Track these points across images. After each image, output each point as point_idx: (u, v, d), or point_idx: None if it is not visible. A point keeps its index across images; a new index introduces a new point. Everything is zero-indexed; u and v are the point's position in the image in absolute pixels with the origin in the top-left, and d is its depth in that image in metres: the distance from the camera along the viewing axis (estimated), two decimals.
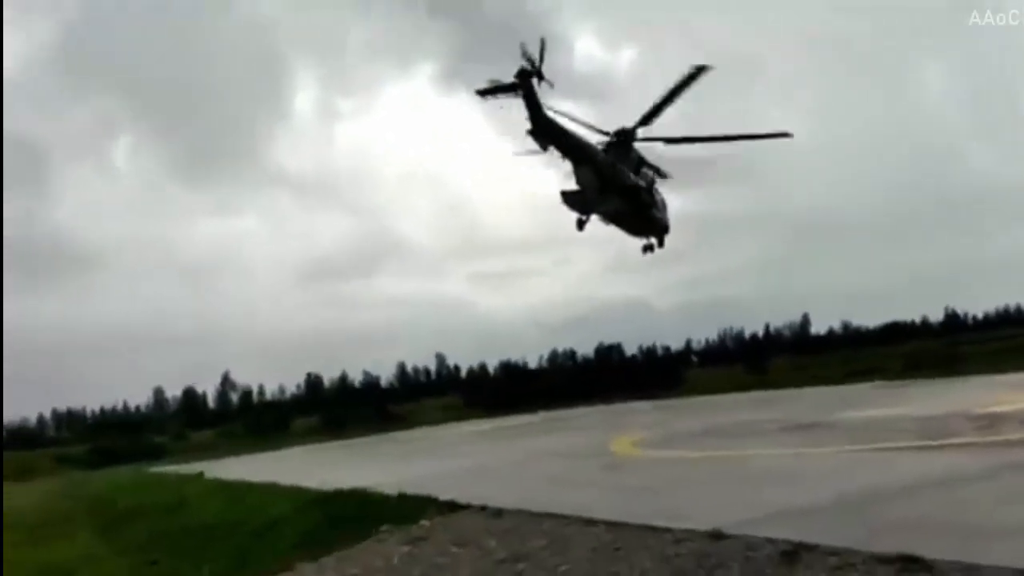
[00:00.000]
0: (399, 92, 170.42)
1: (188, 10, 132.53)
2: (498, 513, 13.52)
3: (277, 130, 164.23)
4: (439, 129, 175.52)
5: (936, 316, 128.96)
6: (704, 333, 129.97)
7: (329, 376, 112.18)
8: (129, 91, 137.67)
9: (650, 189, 17.52)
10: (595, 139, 16.14)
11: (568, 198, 16.61)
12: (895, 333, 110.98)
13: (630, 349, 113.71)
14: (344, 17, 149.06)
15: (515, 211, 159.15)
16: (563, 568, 9.79)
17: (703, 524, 10.37)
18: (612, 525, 11.32)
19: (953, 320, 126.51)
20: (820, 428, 21.50)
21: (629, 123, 16.45)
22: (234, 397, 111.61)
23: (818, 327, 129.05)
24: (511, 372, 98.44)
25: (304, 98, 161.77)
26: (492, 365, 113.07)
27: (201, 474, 31.12)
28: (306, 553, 12.88)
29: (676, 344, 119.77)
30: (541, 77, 14.48)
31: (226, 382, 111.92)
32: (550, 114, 14.88)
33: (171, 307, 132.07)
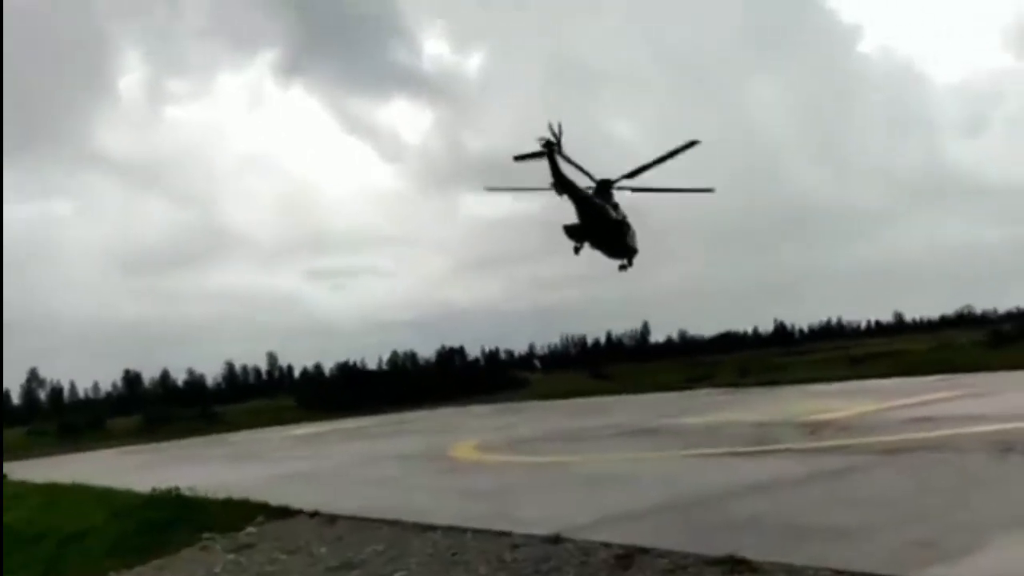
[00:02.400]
0: (237, 78, 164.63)
1: None
2: (331, 519, 13.02)
3: (101, 111, 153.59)
4: (279, 119, 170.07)
5: (766, 327, 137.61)
6: (547, 338, 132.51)
7: (149, 374, 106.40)
8: None
9: (624, 222, 22.71)
10: (584, 183, 21.36)
11: (569, 230, 21.70)
12: (728, 342, 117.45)
13: (473, 352, 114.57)
14: None
15: (357, 208, 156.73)
16: (398, 575, 9.44)
17: (541, 528, 10.32)
18: (450, 530, 11.10)
19: (781, 331, 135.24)
20: (656, 433, 22.14)
21: (612, 176, 22.10)
22: (42, 395, 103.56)
23: (657, 335, 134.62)
24: (348, 373, 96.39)
25: (132, 79, 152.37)
26: (328, 366, 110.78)
27: (4, 477, 28.45)
28: (120, 561, 11.90)
29: (519, 348, 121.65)
30: (559, 146, 19.87)
31: (33, 378, 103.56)
32: (564, 173, 20.29)
33: None
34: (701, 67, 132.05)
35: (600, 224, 21.86)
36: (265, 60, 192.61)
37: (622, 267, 23.58)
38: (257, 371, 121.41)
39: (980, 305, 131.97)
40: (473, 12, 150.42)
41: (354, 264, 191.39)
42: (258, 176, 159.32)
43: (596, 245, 22.52)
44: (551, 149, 19.96)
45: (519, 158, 20.66)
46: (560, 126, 19.92)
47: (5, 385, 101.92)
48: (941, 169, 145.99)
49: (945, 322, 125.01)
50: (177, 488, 17.12)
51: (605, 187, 22.10)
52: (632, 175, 21.88)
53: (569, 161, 20.65)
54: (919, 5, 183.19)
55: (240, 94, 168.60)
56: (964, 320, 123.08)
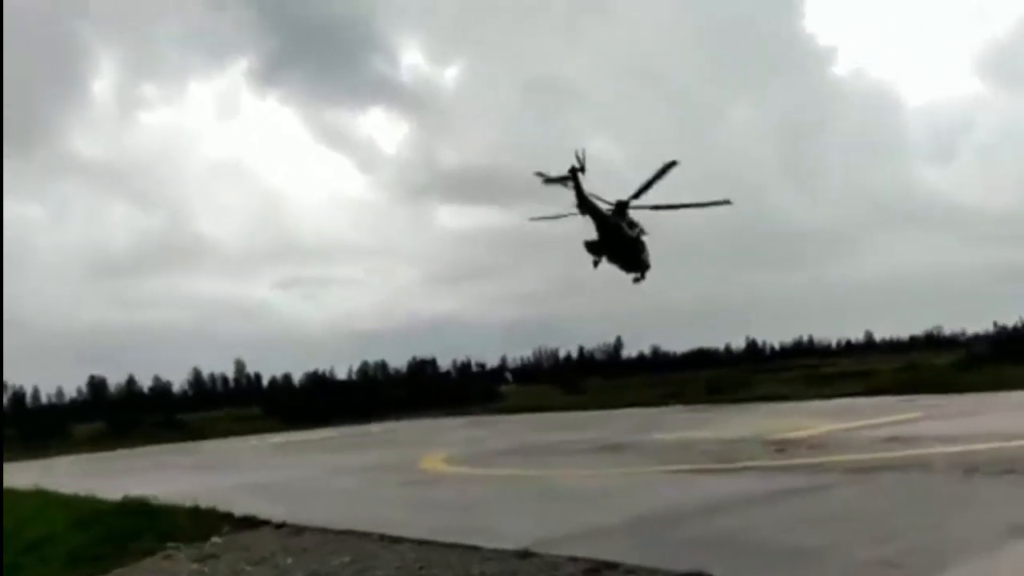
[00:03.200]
0: (211, 86, 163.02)
1: None
2: (298, 530, 12.86)
3: (72, 115, 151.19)
4: (253, 128, 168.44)
5: (738, 344, 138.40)
6: (519, 351, 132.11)
7: (115, 380, 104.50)
8: None
9: (639, 240, 24.95)
10: (604, 206, 23.91)
11: (589, 246, 24.26)
12: (700, 359, 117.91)
13: (444, 364, 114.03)
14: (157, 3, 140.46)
15: (330, 218, 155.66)
16: None
17: (510, 543, 10.28)
18: (419, 543, 11.00)
19: (753, 348, 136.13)
20: (627, 449, 22.15)
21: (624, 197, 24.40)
22: (4, 400, 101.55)
23: (630, 350, 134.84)
24: (317, 383, 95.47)
25: (104, 83, 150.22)
26: (297, 375, 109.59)
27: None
28: (79, 571, 11.67)
29: (491, 361, 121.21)
30: (583, 171, 22.42)
31: None
32: (588, 196, 22.97)
33: None
34: (676, 86, 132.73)
35: (617, 241, 24.33)
36: (240, 68, 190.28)
37: (635, 280, 25.95)
38: (224, 379, 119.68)
39: (949, 327, 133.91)
40: (451, 24, 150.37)
41: (326, 274, 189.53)
42: (231, 184, 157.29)
43: (612, 260, 24.90)
44: (576, 174, 22.51)
45: (547, 181, 23.02)
46: (584, 152, 22.48)
47: None
48: (912, 192, 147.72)
49: (915, 342, 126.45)
50: (141, 496, 16.88)
51: (622, 208, 24.30)
52: (635, 196, 24.13)
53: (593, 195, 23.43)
54: (893, 29, 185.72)
55: (214, 102, 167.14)
56: (933, 341, 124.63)
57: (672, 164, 23.51)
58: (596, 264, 24.58)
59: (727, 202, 25.75)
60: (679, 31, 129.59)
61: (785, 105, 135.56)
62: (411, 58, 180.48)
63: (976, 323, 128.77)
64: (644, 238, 25.31)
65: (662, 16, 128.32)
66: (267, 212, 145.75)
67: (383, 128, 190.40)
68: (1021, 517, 9.41)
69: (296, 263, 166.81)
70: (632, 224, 24.84)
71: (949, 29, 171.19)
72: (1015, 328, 59.03)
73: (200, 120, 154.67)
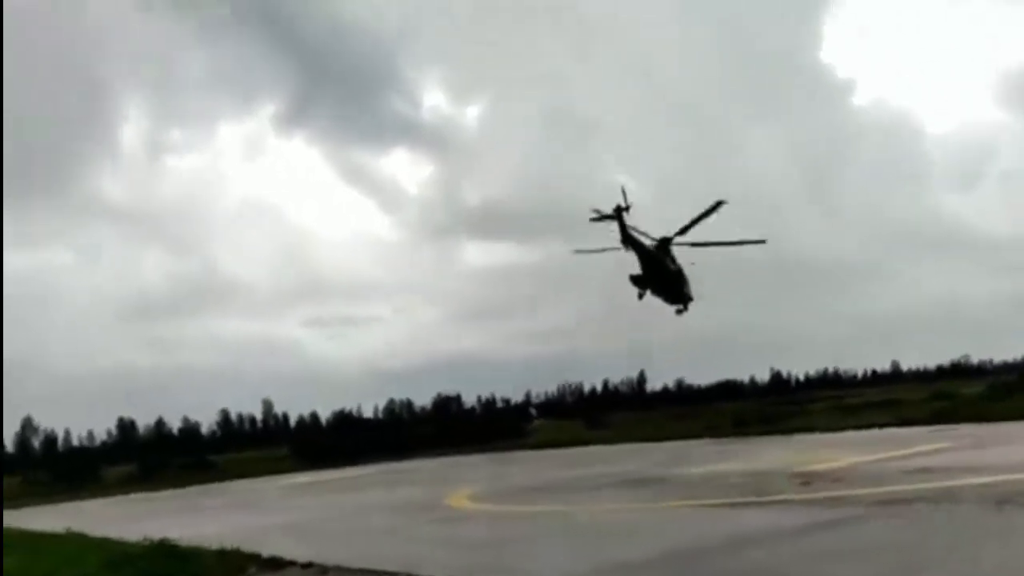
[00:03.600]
0: (237, 128, 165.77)
1: None
2: (324, 570, 12.93)
3: (101, 160, 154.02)
4: (279, 170, 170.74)
5: (763, 376, 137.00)
6: (544, 386, 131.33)
7: (144, 422, 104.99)
8: None
9: (681, 273, 26.10)
10: (648, 241, 25.16)
11: (634, 279, 25.39)
12: (725, 391, 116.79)
13: (469, 401, 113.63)
14: (181, 46, 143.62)
15: (356, 258, 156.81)
16: None
17: None
18: None
19: (778, 380, 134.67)
20: (653, 483, 22.05)
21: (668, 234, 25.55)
22: (36, 443, 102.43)
23: (654, 383, 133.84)
24: (344, 421, 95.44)
25: (132, 128, 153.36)
26: (324, 414, 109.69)
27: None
28: None
29: (516, 397, 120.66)
30: (627, 210, 23.85)
31: (27, 426, 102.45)
32: (631, 232, 24.34)
33: None
34: (698, 119, 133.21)
35: (660, 275, 25.63)
36: (266, 111, 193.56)
37: (679, 311, 27.24)
38: (252, 419, 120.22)
39: (976, 356, 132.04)
40: (472, 63, 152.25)
41: (352, 313, 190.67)
42: (258, 226, 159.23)
43: (656, 292, 26.20)
44: (620, 213, 24.07)
45: (595, 219, 24.65)
46: (625, 194, 24.30)
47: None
48: (936, 221, 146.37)
49: (942, 372, 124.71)
50: (170, 538, 17.03)
51: (665, 243, 25.65)
52: (681, 232, 25.41)
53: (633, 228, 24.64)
54: (912, 59, 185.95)
55: (240, 144, 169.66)
56: (960, 370, 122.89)
57: (719, 204, 24.67)
58: (641, 296, 25.90)
59: (762, 241, 27.24)
60: (698, 62, 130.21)
61: (806, 136, 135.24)
62: (432, 99, 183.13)
63: (1003, 352, 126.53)
64: (686, 272, 26.60)
65: (682, 48, 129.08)
66: (294, 253, 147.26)
67: (406, 168, 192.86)
68: None
69: (322, 303, 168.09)
70: (674, 259, 26.12)
71: (968, 57, 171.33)
72: None
73: (227, 162, 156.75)
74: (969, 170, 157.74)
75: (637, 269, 25.24)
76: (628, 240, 24.45)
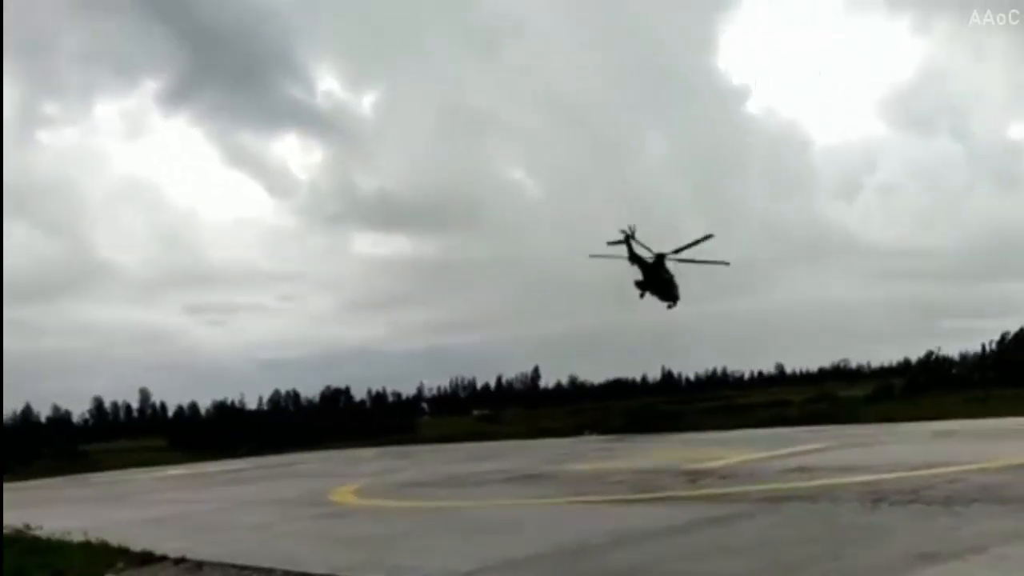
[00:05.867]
0: (117, 104, 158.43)
1: None
2: (197, 566, 12.23)
3: None
4: (161, 149, 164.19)
5: (654, 375, 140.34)
6: (436, 381, 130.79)
7: (10, 408, 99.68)
8: None
9: (672, 279, 34.69)
10: (646, 254, 33.90)
11: (638, 284, 34.22)
12: (617, 389, 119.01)
13: (359, 394, 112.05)
14: (59, 15, 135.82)
15: (241, 243, 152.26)
16: None
17: None
18: None
19: (668, 379, 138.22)
20: (542, 479, 21.97)
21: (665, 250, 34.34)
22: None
23: (547, 380, 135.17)
24: (226, 412, 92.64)
25: (3, 100, 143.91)
26: (204, 405, 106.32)
27: None
28: None
29: (407, 390, 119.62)
30: (634, 237, 33.11)
31: None
32: (636, 252, 33.41)
33: None
34: (591, 117, 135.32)
35: (657, 281, 34.37)
36: (149, 87, 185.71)
37: (669, 307, 35.61)
38: (128, 408, 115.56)
39: (855, 359, 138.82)
40: (368, 50, 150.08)
41: (236, 300, 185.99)
42: (137, 207, 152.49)
43: (654, 293, 34.72)
44: (628, 240, 33.21)
45: (612, 244, 33.52)
46: (633, 227, 33.37)
47: None
48: (819, 228, 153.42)
49: (824, 374, 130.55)
50: (31, 529, 15.96)
51: (660, 257, 34.08)
52: (675, 252, 33.78)
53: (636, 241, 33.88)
54: (802, 71, 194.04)
55: (120, 121, 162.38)
56: (841, 373, 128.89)
57: (708, 236, 32.86)
58: (642, 296, 34.55)
59: (726, 263, 34.89)
60: (595, 62, 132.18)
61: (698, 139, 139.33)
62: (326, 84, 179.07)
63: (881, 355, 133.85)
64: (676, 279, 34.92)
65: (579, 48, 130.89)
66: (174, 236, 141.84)
67: (296, 153, 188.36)
68: (927, 545, 9.53)
69: (205, 289, 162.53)
70: (667, 269, 34.33)
71: (857, 71, 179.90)
72: (926, 360, 61.33)
73: (106, 140, 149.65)
74: (851, 181, 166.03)
75: (631, 277, 34.14)
76: (634, 259, 33.35)
